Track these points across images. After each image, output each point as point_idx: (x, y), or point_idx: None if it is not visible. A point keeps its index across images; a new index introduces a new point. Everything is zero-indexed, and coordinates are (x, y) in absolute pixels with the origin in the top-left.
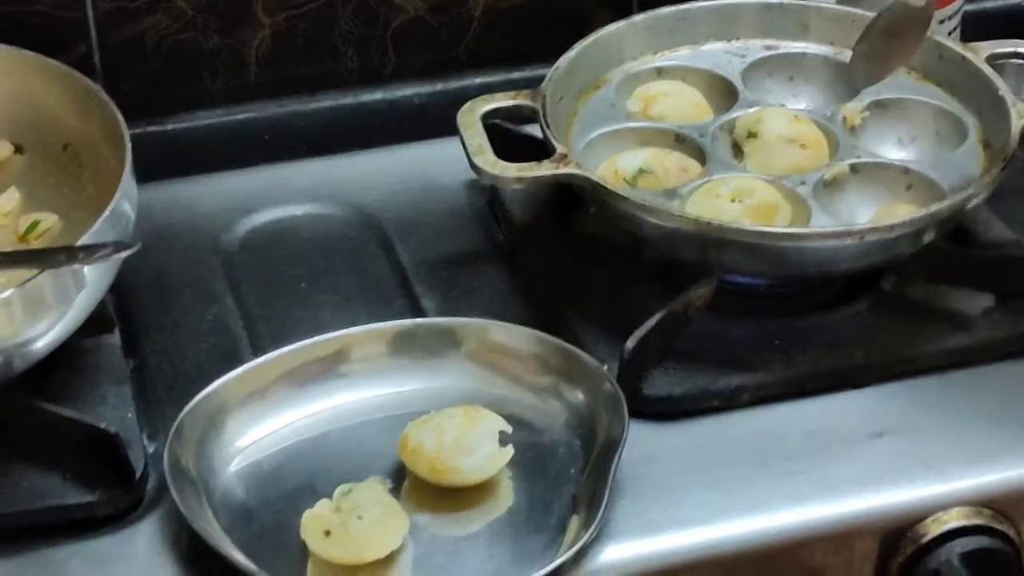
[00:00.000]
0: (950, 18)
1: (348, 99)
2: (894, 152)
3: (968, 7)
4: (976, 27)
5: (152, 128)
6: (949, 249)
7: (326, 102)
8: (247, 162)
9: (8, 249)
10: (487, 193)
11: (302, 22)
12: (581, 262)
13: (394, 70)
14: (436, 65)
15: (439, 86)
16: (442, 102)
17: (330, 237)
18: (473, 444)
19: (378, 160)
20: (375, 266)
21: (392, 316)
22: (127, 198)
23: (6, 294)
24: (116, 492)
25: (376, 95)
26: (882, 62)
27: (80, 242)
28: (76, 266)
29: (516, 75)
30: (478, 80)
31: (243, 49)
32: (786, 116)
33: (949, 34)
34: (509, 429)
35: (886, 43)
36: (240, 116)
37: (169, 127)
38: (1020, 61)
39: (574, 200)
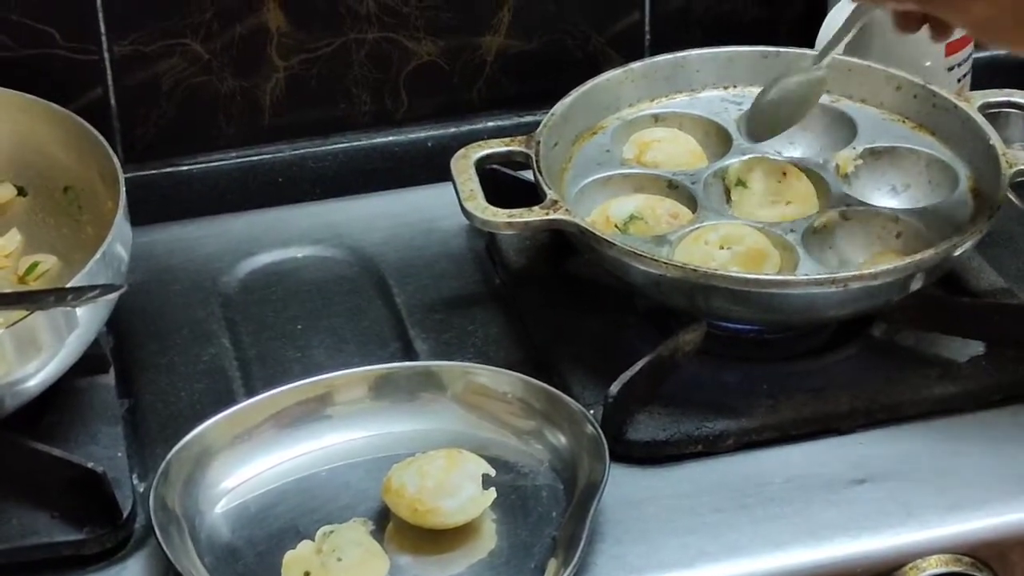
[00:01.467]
0: (959, 65)
1: (361, 142)
2: (887, 200)
3: (978, 55)
4: (987, 76)
5: (167, 170)
6: (939, 296)
7: (339, 144)
8: (259, 204)
9: (8, 290)
10: (486, 237)
11: (316, 66)
12: (575, 306)
13: (406, 113)
14: (448, 108)
15: (451, 129)
16: (454, 145)
17: (329, 279)
18: (455, 487)
19: (381, 203)
20: (371, 308)
21: (386, 358)
22: (120, 240)
23: None
24: (104, 531)
25: (388, 138)
26: (777, 121)
27: (71, 283)
28: (66, 308)
29: (528, 118)
30: (490, 123)
31: (257, 92)
32: (775, 170)
33: (959, 81)
34: (492, 472)
35: (783, 104)
36: (254, 158)
37: (184, 168)
38: (1013, 111)
39: (570, 245)
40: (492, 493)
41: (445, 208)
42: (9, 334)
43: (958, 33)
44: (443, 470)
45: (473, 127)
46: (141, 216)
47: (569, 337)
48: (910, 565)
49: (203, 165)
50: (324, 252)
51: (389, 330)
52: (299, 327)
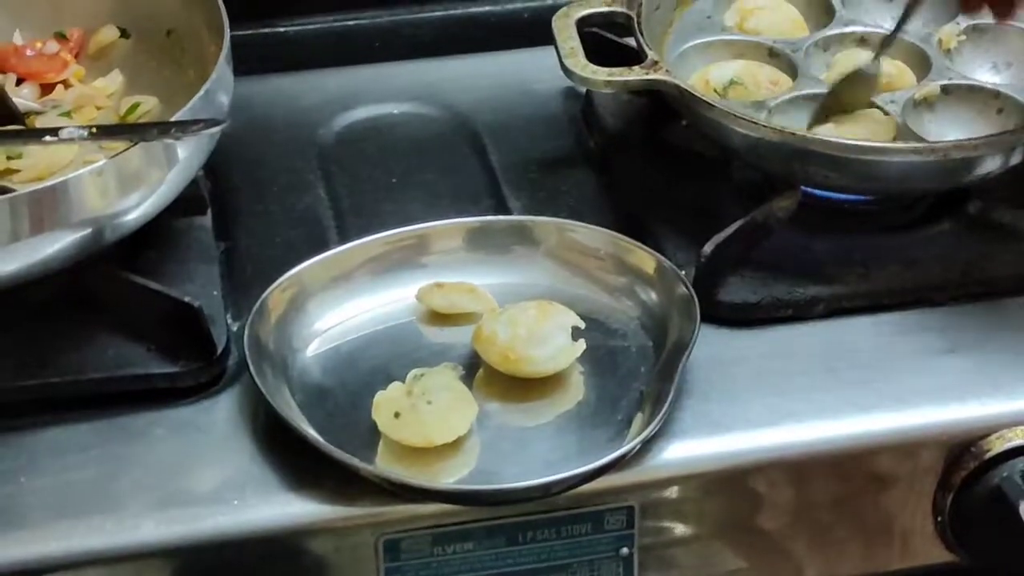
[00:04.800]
0: None
1: (457, 11)
2: (988, 77)
3: None
4: None
5: (265, 30)
6: None
7: (435, 12)
8: (353, 63)
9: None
10: (582, 101)
11: None
12: (669, 172)
13: None
14: None
15: (548, 1)
16: (549, 16)
17: (424, 136)
18: (546, 336)
19: (478, 64)
20: (466, 166)
21: (479, 214)
22: (222, 83)
23: (98, 164)
24: (198, 365)
25: (485, 7)
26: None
27: (174, 119)
28: (168, 140)
29: None
30: None
31: None
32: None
33: None
34: (582, 325)
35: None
36: (351, 23)
37: (281, 29)
38: None
39: (667, 112)
40: (582, 344)
41: (543, 71)
42: (112, 165)
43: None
44: (534, 320)
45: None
46: (241, 68)
47: (663, 201)
48: (996, 435)
49: (300, 27)
50: (420, 109)
51: (483, 187)
52: (394, 180)
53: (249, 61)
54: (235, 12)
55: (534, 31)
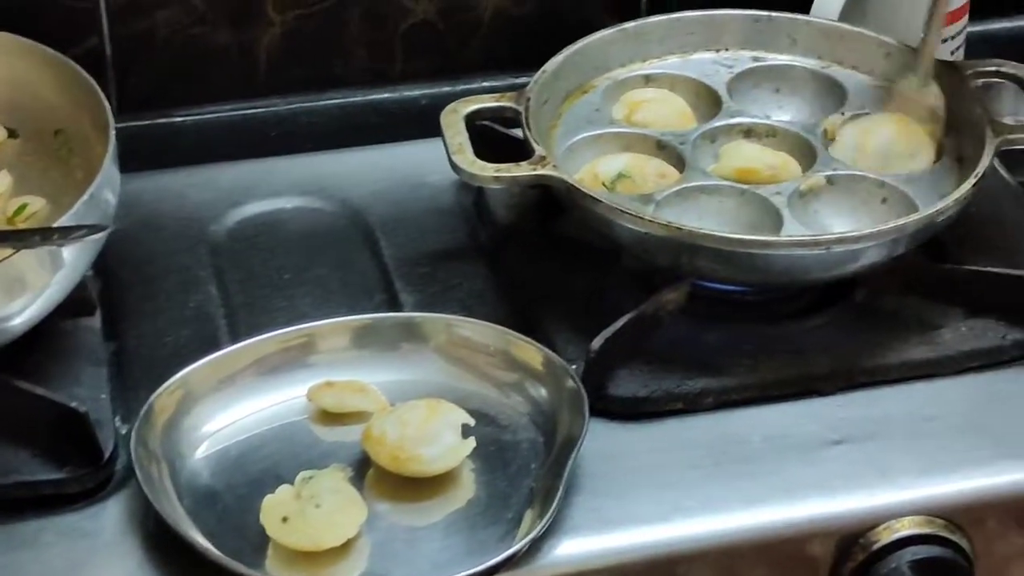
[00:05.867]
0: (953, 38)
1: (355, 98)
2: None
3: (972, 28)
4: (981, 48)
5: (160, 120)
6: (922, 263)
7: (333, 100)
8: (250, 156)
9: None
10: (474, 193)
11: (311, 22)
12: (561, 264)
13: (401, 72)
14: (443, 68)
15: (445, 88)
16: (448, 103)
17: (317, 231)
18: (435, 435)
19: (371, 157)
20: (358, 260)
21: (371, 310)
22: (108, 184)
23: None
24: (85, 471)
25: (383, 95)
26: None
27: (58, 224)
28: (52, 247)
29: (522, 79)
30: (485, 84)
31: (253, 46)
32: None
33: (952, 53)
34: (471, 422)
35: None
36: (247, 112)
37: (176, 120)
38: (1004, 82)
39: (558, 204)
40: (471, 442)
41: (435, 164)
42: None
43: None
44: (423, 419)
45: (468, 87)
46: (132, 164)
47: (553, 293)
48: (884, 526)
49: (196, 117)
50: (313, 204)
51: (375, 282)
52: (286, 276)
53: (143, 154)
54: (131, 101)
55: (432, 121)
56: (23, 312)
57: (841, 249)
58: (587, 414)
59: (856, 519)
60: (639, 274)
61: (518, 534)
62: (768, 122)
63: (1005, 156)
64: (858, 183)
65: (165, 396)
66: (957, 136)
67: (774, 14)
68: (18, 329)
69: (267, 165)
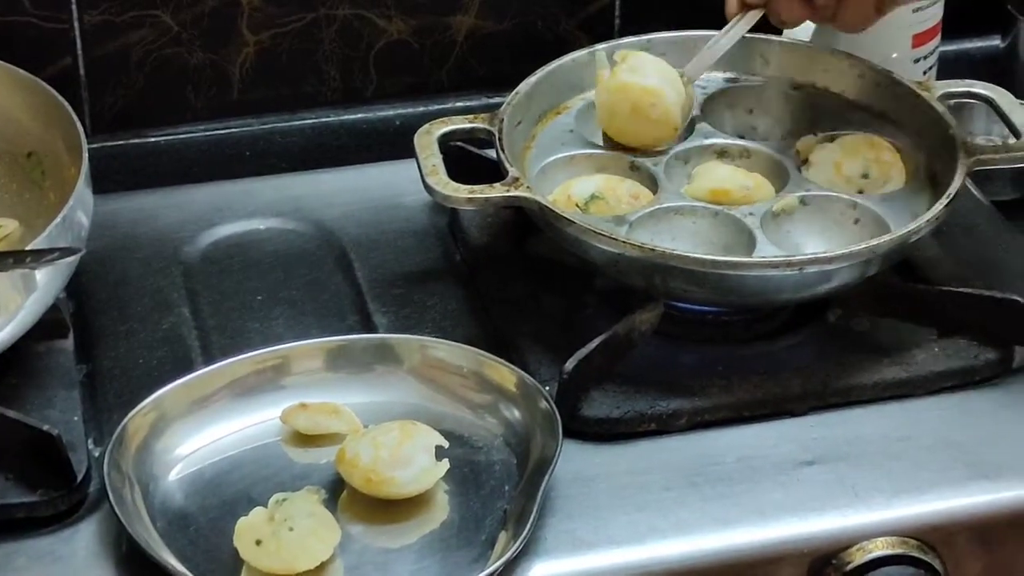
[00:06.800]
0: (925, 58)
1: (329, 118)
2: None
3: (945, 48)
4: (953, 69)
5: (134, 141)
6: (894, 283)
7: (307, 120)
8: (224, 176)
9: None
10: (448, 214)
11: (286, 41)
12: (534, 285)
13: (375, 91)
14: (417, 88)
15: (420, 108)
16: (422, 124)
17: (290, 252)
18: (408, 457)
19: (346, 178)
20: (332, 282)
21: (344, 331)
22: (81, 206)
23: None
24: (58, 494)
25: (357, 115)
26: None
27: (30, 247)
28: (24, 270)
29: (497, 99)
30: (459, 104)
31: (227, 66)
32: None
33: (924, 73)
34: (445, 444)
35: None
36: (221, 131)
37: (151, 140)
38: (975, 102)
39: (531, 225)
40: (445, 464)
41: (409, 185)
42: None
43: None
44: (397, 441)
45: (442, 106)
46: (107, 185)
47: (527, 314)
48: (856, 547)
49: (170, 137)
50: (286, 225)
51: (349, 304)
52: (259, 298)
53: (118, 174)
54: (106, 121)
55: (405, 141)
56: None
57: (814, 269)
58: (560, 435)
59: (829, 540)
60: (613, 295)
61: (492, 556)
62: (741, 143)
63: (977, 176)
64: (831, 203)
65: (138, 418)
66: (929, 156)
67: (747, 35)
68: None
69: (241, 186)
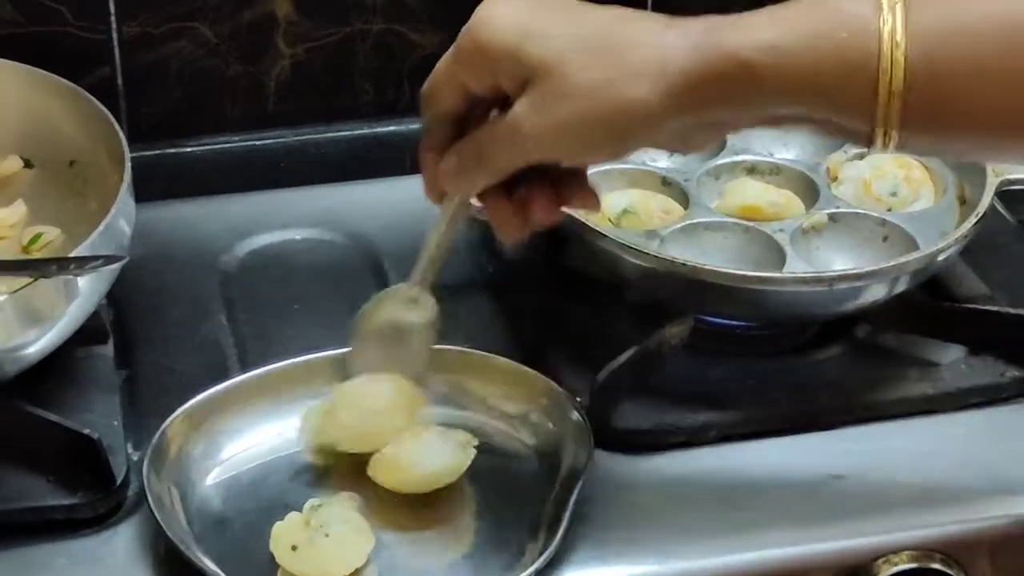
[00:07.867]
0: None
1: (363, 130)
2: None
3: None
4: None
5: (171, 151)
6: (923, 300)
7: (341, 132)
8: (260, 187)
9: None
10: (481, 226)
11: (321, 55)
12: (567, 297)
13: (408, 104)
14: None
15: None
16: None
17: (327, 262)
18: (438, 455)
19: (381, 190)
20: (367, 292)
21: None
22: (124, 215)
23: None
24: (97, 496)
25: (390, 127)
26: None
27: (73, 254)
28: (68, 276)
29: None
30: None
31: (263, 78)
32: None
33: None
34: (475, 442)
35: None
36: (257, 143)
37: (187, 150)
38: None
39: (563, 238)
40: (472, 453)
41: None
42: (12, 301)
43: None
44: (427, 442)
45: None
46: (145, 194)
47: (559, 327)
48: (882, 559)
49: (206, 147)
50: (323, 235)
51: None
52: (296, 307)
53: (156, 183)
54: (143, 131)
55: None
56: (38, 341)
57: (843, 286)
58: (592, 446)
59: (855, 553)
60: (644, 309)
61: (522, 565)
62: (772, 160)
63: (1005, 195)
64: (860, 221)
65: (177, 423)
66: (958, 175)
67: None
68: (33, 357)
69: (277, 197)
